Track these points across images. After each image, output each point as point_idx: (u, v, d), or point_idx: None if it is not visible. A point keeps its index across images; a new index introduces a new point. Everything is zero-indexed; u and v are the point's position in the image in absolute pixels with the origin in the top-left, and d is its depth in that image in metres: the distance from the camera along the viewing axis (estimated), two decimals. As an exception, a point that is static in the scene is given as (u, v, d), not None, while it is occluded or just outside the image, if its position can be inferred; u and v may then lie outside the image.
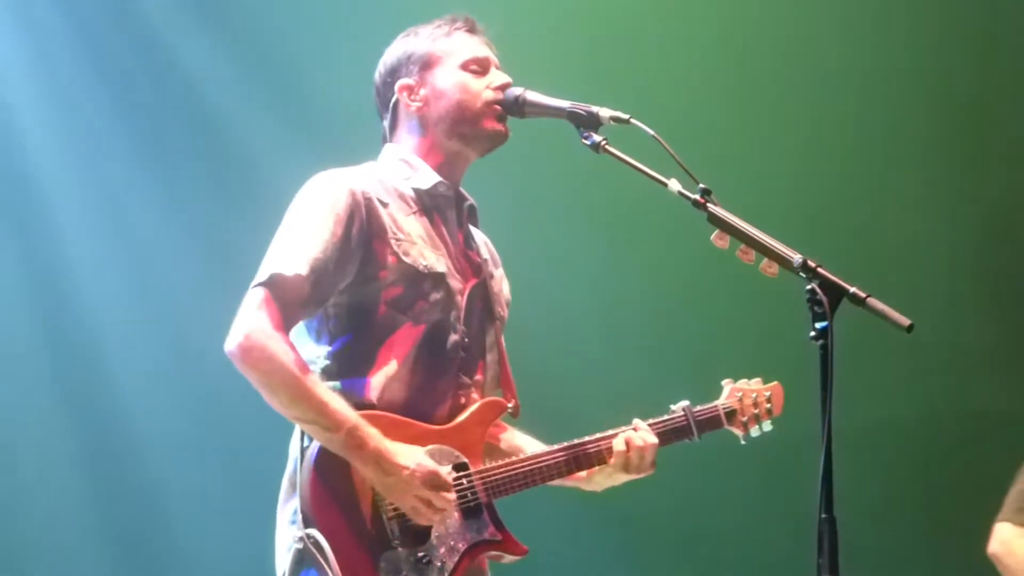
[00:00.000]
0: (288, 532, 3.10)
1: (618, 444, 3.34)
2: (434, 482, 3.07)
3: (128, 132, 5.66)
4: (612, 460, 3.34)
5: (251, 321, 3.03)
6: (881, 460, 5.74)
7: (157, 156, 5.69)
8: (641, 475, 3.38)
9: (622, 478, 3.41)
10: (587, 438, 3.36)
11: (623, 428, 3.39)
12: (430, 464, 3.09)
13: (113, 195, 5.68)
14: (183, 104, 5.73)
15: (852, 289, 2.75)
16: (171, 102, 5.72)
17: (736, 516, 5.79)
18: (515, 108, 3.31)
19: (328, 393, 3.06)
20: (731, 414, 3.56)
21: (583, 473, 3.39)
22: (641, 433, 3.37)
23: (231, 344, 3.04)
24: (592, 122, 3.20)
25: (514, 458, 3.29)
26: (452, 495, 3.11)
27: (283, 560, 3.11)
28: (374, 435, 3.05)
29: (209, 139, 5.73)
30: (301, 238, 3.12)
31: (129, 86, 5.69)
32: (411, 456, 3.08)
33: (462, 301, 3.28)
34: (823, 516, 2.68)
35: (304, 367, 3.06)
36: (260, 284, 3.08)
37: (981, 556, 4.58)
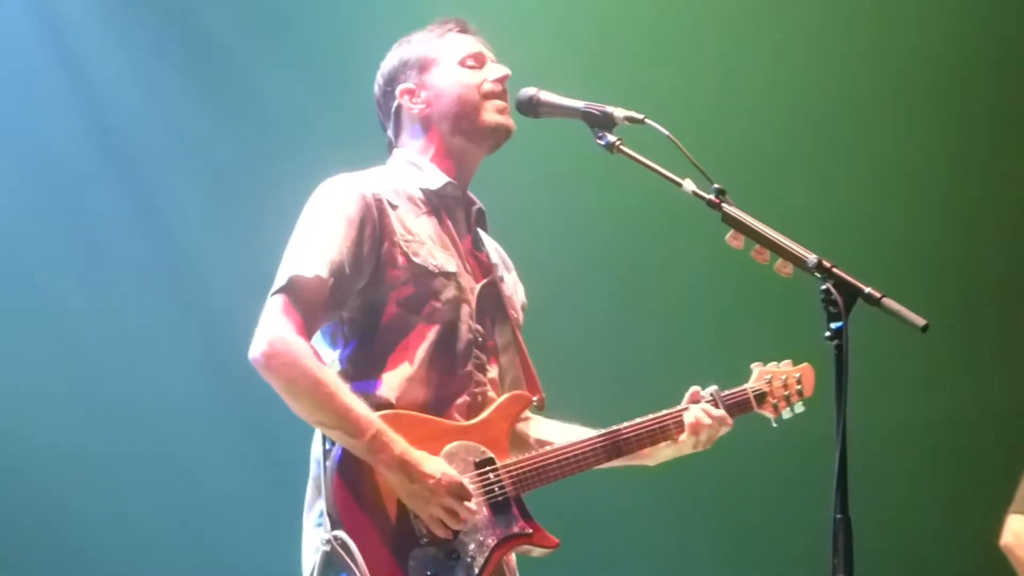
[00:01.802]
0: (314, 535, 3.10)
1: (688, 417, 3.39)
2: (458, 492, 3.07)
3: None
4: (681, 437, 3.38)
5: (273, 328, 3.04)
6: (896, 460, 5.73)
7: (194, 152, 5.70)
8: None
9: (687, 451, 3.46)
10: (624, 424, 3.36)
11: (670, 412, 3.41)
12: (454, 474, 3.09)
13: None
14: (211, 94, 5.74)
15: (867, 289, 2.75)
16: (206, 94, 5.72)
17: (752, 516, 5.78)
18: (529, 108, 3.33)
19: (352, 398, 3.05)
20: (761, 397, 3.54)
21: (647, 450, 3.41)
22: (718, 414, 3.41)
23: (255, 352, 3.04)
24: (606, 122, 3.20)
25: (541, 451, 3.28)
26: (474, 506, 3.11)
27: (310, 563, 3.10)
28: (398, 441, 3.05)
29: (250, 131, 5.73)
30: (316, 242, 3.12)
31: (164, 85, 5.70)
32: (436, 465, 3.08)
33: (473, 299, 3.29)
34: (838, 516, 2.68)
35: (329, 373, 3.06)
36: (279, 290, 3.08)
37: (997, 556, 4.57)
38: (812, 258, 2.82)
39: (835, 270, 2.78)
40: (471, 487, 3.12)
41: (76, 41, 5.61)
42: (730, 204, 2.98)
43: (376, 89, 3.45)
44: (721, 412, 3.43)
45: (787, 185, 5.71)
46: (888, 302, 2.74)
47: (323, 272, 3.08)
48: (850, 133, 5.92)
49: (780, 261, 2.91)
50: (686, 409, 3.43)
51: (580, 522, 5.29)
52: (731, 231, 2.97)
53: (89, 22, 5.62)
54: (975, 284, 5.91)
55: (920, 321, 2.72)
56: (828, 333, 2.72)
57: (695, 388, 3.48)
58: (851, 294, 2.74)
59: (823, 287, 2.76)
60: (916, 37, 5.94)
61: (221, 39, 5.71)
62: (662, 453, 3.45)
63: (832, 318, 2.73)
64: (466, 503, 3.08)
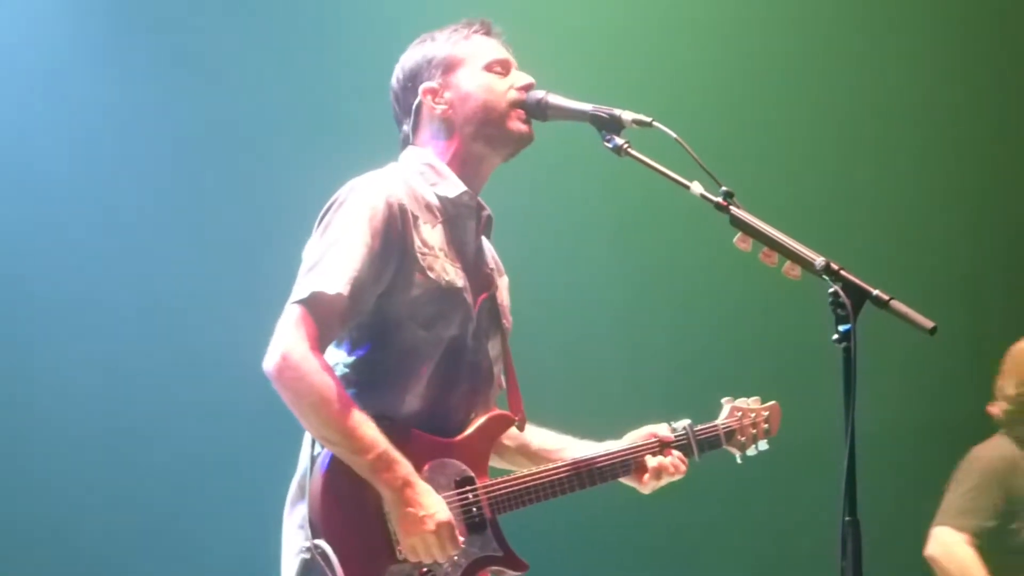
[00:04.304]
0: (296, 537, 3.10)
1: (651, 462, 3.41)
2: (447, 533, 3.06)
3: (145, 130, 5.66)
4: (646, 478, 3.41)
5: (288, 340, 3.03)
6: (905, 462, 5.72)
7: (172, 156, 5.68)
8: None
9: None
10: (601, 453, 3.39)
11: (641, 445, 3.43)
12: (448, 516, 3.07)
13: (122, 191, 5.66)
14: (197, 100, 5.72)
15: (875, 291, 2.74)
16: (188, 100, 5.70)
17: (759, 519, 5.79)
18: (537, 111, 3.31)
19: (360, 418, 3.03)
20: (730, 434, 3.57)
21: (646, 477, 3.43)
22: (671, 459, 3.43)
23: (268, 364, 3.03)
24: (614, 125, 3.19)
25: (520, 473, 3.29)
26: (455, 552, 3.09)
27: (290, 565, 3.11)
28: (404, 464, 3.04)
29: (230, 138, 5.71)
30: (341, 254, 3.09)
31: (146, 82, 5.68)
32: (436, 501, 3.07)
33: (474, 315, 3.28)
34: (846, 519, 2.68)
35: (338, 390, 3.04)
36: (299, 301, 3.07)
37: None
38: (820, 260, 2.82)
39: (843, 272, 2.77)
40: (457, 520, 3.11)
41: (68, 49, 5.62)
42: (738, 207, 2.98)
43: (394, 83, 3.40)
44: (678, 462, 3.44)
45: (794, 187, 5.71)
46: (896, 304, 2.73)
47: (345, 290, 3.06)
48: (858, 135, 5.93)
49: (788, 263, 2.91)
50: (656, 449, 3.44)
51: (583, 524, 5.30)
52: (739, 234, 2.97)
53: (81, 34, 5.63)
54: (983, 285, 5.91)
55: (928, 323, 2.72)
56: (836, 335, 2.72)
57: (664, 424, 3.49)
58: (859, 296, 2.73)
59: (831, 290, 2.75)
60: (924, 32, 5.95)
61: (218, 41, 5.70)
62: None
63: (840, 320, 2.72)
64: (449, 547, 3.07)
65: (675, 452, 3.45)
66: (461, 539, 3.10)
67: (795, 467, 5.36)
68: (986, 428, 5.81)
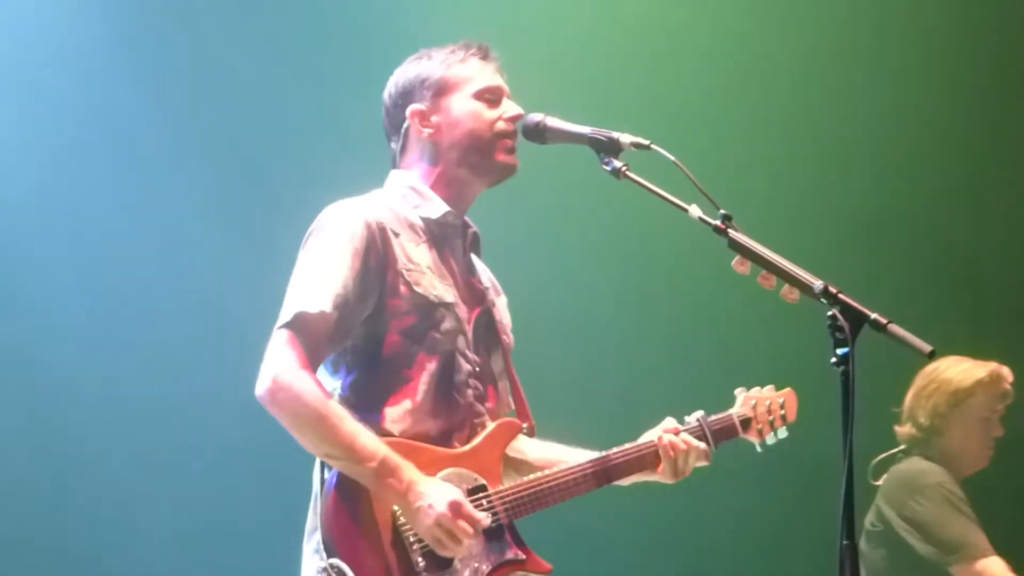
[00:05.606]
0: (313, 562, 3.09)
1: (660, 436, 3.40)
2: (462, 511, 3.05)
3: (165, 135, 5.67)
4: (662, 465, 3.39)
5: (277, 363, 3.04)
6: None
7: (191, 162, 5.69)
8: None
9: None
10: (614, 450, 3.37)
11: (650, 443, 3.40)
12: (458, 494, 3.08)
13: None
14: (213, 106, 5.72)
15: (873, 315, 2.74)
16: (206, 105, 5.71)
17: (756, 542, 5.77)
18: (535, 133, 3.32)
19: (356, 427, 3.04)
20: (746, 422, 3.56)
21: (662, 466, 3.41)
22: (682, 436, 3.41)
23: (260, 389, 3.05)
24: (612, 148, 3.19)
25: (533, 477, 3.28)
26: (479, 524, 3.08)
27: None
28: (406, 466, 3.05)
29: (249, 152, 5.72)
30: (321, 274, 3.11)
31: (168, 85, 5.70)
32: (443, 487, 3.07)
33: (469, 329, 3.29)
34: (844, 543, 2.67)
35: (332, 404, 3.05)
36: (285, 325, 3.08)
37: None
38: (818, 284, 2.81)
39: (841, 296, 2.77)
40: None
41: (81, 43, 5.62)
42: (736, 230, 2.98)
43: (387, 98, 3.39)
44: (688, 438, 3.41)
45: (792, 208, 5.72)
46: (894, 328, 2.73)
47: (328, 307, 3.08)
48: (856, 159, 5.95)
49: (786, 287, 2.91)
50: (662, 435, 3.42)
51: (578, 548, 5.29)
52: (737, 257, 2.97)
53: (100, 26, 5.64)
54: (981, 309, 5.91)
55: (926, 347, 2.72)
56: (834, 359, 2.71)
57: (671, 422, 3.47)
58: (857, 320, 2.73)
59: (829, 313, 2.75)
60: (930, 49, 5.99)
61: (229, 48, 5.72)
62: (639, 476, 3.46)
63: (838, 344, 2.72)
64: (473, 517, 3.06)
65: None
66: (474, 541, 3.08)
67: (792, 490, 5.36)
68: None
